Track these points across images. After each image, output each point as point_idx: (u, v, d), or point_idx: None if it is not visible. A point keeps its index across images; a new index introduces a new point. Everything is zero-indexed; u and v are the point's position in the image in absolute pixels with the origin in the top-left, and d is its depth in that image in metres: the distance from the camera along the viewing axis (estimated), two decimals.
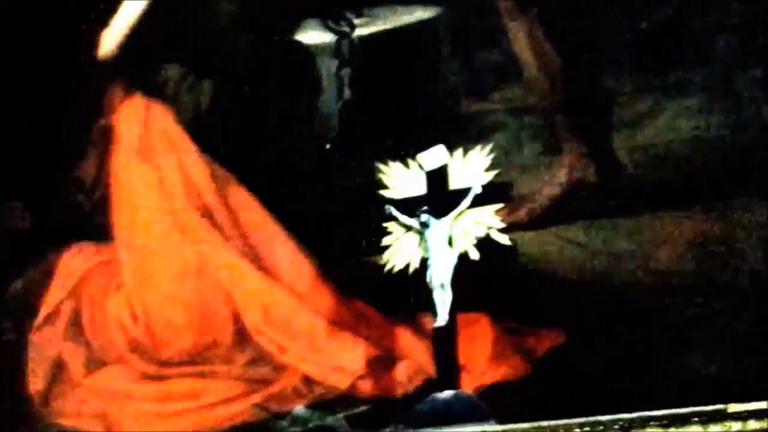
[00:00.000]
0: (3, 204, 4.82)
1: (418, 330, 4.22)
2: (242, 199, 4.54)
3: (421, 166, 3.88)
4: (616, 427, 3.57)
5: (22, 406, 4.50)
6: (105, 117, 4.62)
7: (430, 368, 3.96)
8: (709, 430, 3.50)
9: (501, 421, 3.71)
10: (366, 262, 4.29)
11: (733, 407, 3.40)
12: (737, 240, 4.23)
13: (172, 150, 4.64)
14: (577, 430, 3.60)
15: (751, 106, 4.44)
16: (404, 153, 3.95)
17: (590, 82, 4.50)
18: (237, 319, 4.42)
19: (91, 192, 4.59)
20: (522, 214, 4.26)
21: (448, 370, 3.80)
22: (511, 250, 4.06)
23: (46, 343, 4.55)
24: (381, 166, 3.88)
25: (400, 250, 3.85)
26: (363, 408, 4.23)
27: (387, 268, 3.82)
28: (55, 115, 4.69)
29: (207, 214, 4.56)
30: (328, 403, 4.28)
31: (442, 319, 3.74)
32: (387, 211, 3.83)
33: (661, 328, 4.17)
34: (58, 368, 4.49)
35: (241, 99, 4.69)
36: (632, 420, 3.51)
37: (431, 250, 3.82)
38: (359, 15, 4.35)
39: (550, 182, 4.29)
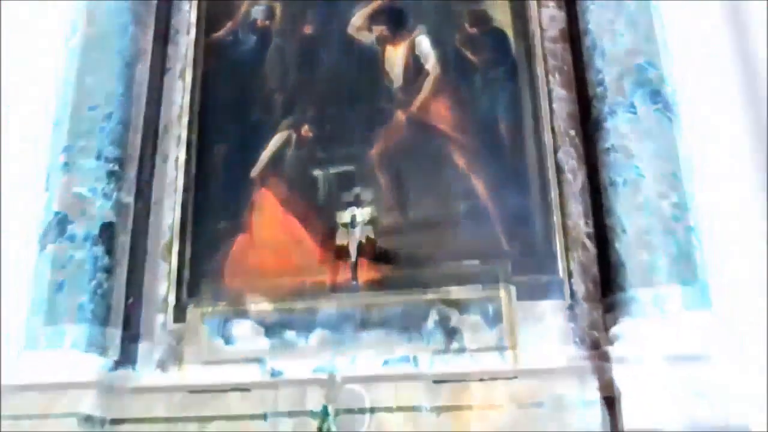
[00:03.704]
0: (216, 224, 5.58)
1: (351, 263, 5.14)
2: (296, 226, 5.52)
3: None
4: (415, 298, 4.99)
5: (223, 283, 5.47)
6: (253, 198, 5.68)
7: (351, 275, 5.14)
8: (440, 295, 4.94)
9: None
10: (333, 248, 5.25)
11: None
12: None
13: (273, 209, 5.60)
14: (394, 298, 5.06)
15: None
16: None
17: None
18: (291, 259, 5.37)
19: (247, 218, 5.62)
20: None
21: (354, 275, 5.17)
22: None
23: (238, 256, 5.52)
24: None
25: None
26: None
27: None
28: (241, 196, 5.63)
29: (284, 225, 5.54)
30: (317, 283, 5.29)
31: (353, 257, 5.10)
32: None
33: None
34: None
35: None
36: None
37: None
38: None
39: None
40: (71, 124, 5.47)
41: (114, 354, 5.18)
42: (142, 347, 5.41)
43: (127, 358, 5.30)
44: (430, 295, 5.10)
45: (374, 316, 5.10)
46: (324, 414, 4.60)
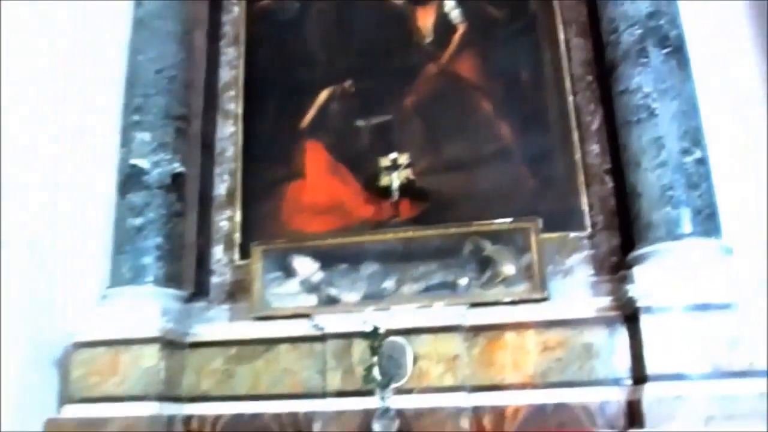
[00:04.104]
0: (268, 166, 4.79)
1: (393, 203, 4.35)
2: (343, 171, 4.64)
3: None
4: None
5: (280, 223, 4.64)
6: (304, 147, 4.75)
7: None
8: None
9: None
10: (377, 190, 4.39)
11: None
12: None
13: (321, 156, 4.66)
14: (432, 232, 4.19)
15: None
16: None
17: None
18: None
19: (299, 168, 4.70)
20: None
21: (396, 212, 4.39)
22: None
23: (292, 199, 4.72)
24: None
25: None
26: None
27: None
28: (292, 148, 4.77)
29: (332, 170, 4.65)
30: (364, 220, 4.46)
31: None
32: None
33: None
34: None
35: None
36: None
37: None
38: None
39: None
40: (142, 87, 4.69)
41: (189, 287, 4.65)
42: (199, 305, 4.66)
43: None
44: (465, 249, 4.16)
45: (415, 248, 4.21)
46: (374, 334, 3.83)
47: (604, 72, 4.22)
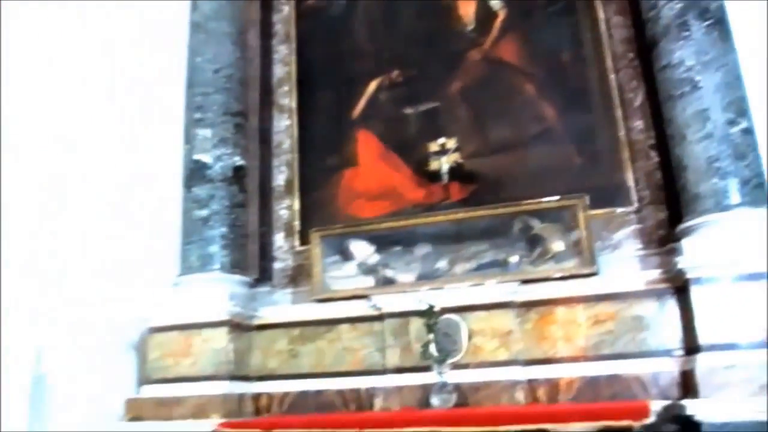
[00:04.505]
0: (323, 155, 4.76)
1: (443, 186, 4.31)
2: (394, 157, 4.55)
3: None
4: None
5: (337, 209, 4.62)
6: (356, 136, 4.69)
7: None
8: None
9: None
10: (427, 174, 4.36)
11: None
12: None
13: (373, 144, 4.59)
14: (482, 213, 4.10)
15: None
16: None
17: None
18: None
19: (352, 156, 4.71)
20: None
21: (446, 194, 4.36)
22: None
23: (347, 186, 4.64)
24: None
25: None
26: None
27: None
28: (344, 138, 4.74)
29: (383, 157, 4.58)
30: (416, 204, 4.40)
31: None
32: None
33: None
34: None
35: None
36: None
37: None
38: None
39: None
40: (201, 86, 4.69)
41: (253, 273, 4.64)
42: (263, 290, 4.65)
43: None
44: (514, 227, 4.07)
45: (466, 229, 4.15)
46: (430, 312, 3.77)
47: (645, 48, 4.06)
